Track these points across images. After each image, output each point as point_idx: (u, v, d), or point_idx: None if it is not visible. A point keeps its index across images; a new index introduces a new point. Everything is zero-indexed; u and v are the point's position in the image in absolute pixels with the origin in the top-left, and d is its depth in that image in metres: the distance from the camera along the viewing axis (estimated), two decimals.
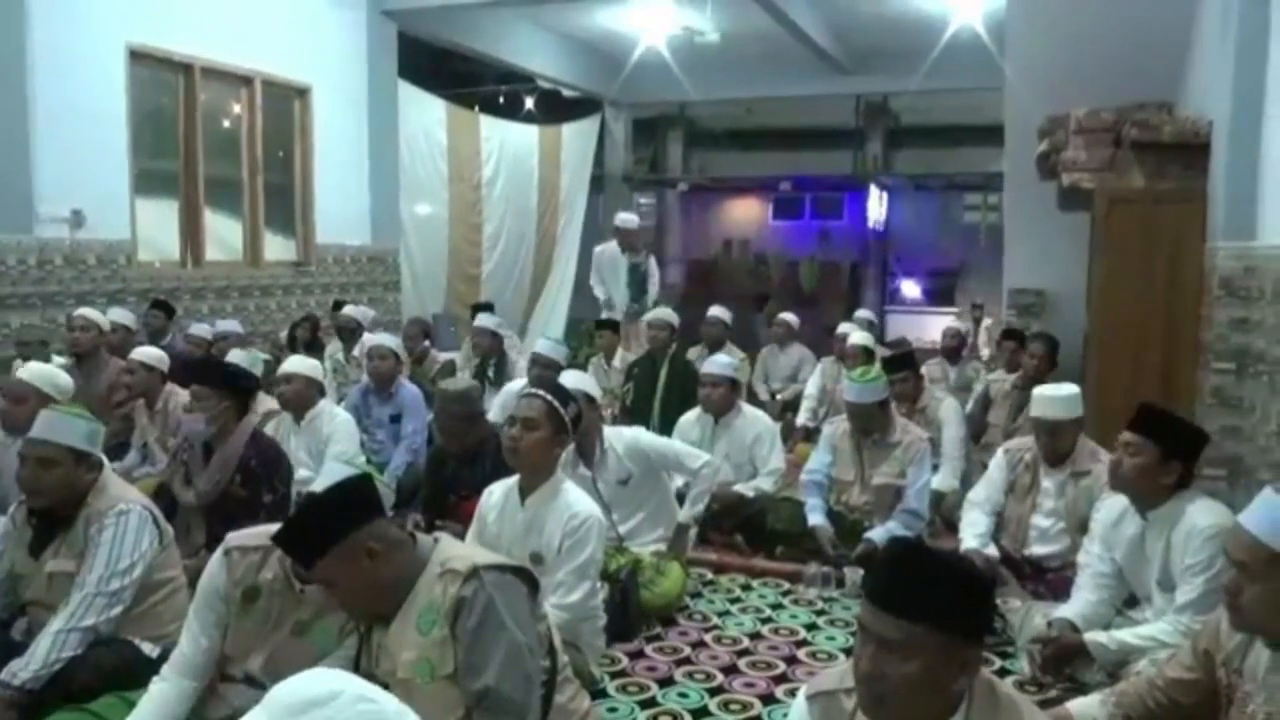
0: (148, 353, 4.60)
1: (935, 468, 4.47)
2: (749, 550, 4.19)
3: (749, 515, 4.24)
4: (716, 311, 6.68)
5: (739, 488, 4.36)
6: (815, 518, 4.03)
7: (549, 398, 2.86)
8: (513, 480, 2.94)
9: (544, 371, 4.64)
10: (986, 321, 10.99)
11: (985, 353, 9.01)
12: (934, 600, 1.45)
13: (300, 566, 1.97)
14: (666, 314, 6.03)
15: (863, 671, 1.49)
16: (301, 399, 4.24)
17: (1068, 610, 2.88)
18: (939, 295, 14.86)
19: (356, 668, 1.99)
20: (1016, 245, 6.51)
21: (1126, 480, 2.73)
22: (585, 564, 2.77)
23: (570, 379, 3.80)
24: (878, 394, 4.03)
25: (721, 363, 4.55)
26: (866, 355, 5.53)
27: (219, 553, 2.25)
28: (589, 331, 8.08)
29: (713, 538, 4.28)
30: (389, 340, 5.11)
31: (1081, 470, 3.43)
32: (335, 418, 4.26)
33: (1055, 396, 3.48)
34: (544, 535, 2.81)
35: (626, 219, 7.82)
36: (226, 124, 7.35)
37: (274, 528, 2.21)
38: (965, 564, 1.59)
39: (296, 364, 4.34)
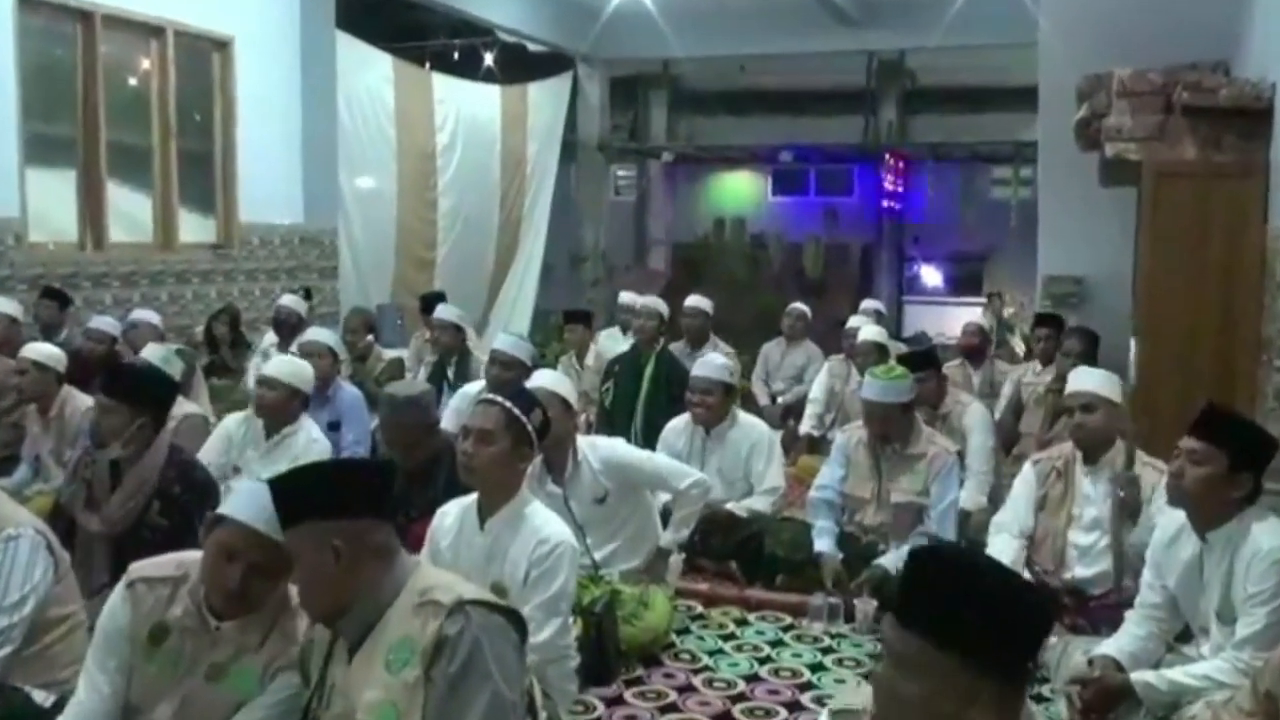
0: (41, 350, 4.53)
1: (960, 483, 4.48)
2: (744, 579, 4.19)
3: (745, 539, 4.23)
4: (696, 301, 6.67)
5: (731, 506, 4.35)
6: (823, 543, 4.03)
7: (508, 405, 2.85)
8: (470, 499, 2.92)
9: (504, 372, 4.61)
10: (1008, 311, 11.06)
11: (1020, 349, 9.07)
12: (945, 614, 1.45)
13: (282, 521, 2.01)
14: (655, 302, 6.01)
15: (875, 687, 1.55)
16: (280, 411, 4.12)
17: (1111, 646, 2.89)
18: (963, 283, 14.94)
19: (306, 712, 2.00)
20: (1052, 226, 6.55)
21: (1188, 493, 2.74)
22: (556, 597, 2.76)
23: (543, 380, 3.79)
24: (901, 394, 4.04)
25: (714, 365, 4.50)
26: (880, 353, 5.53)
27: (121, 586, 2.23)
28: (558, 325, 8.07)
29: (703, 565, 4.27)
30: (324, 336, 5.07)
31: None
32: (314, 445, 4.15)
33: (1093, 371, 3.70)
34: (507, 563, 2.80)
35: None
36: (133, 82, 7.27)
37: (186, 555, 2.21)
38: (1005, 579, 1.55)
39: (281, 368, 4.24)
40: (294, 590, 2.15)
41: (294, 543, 1.97)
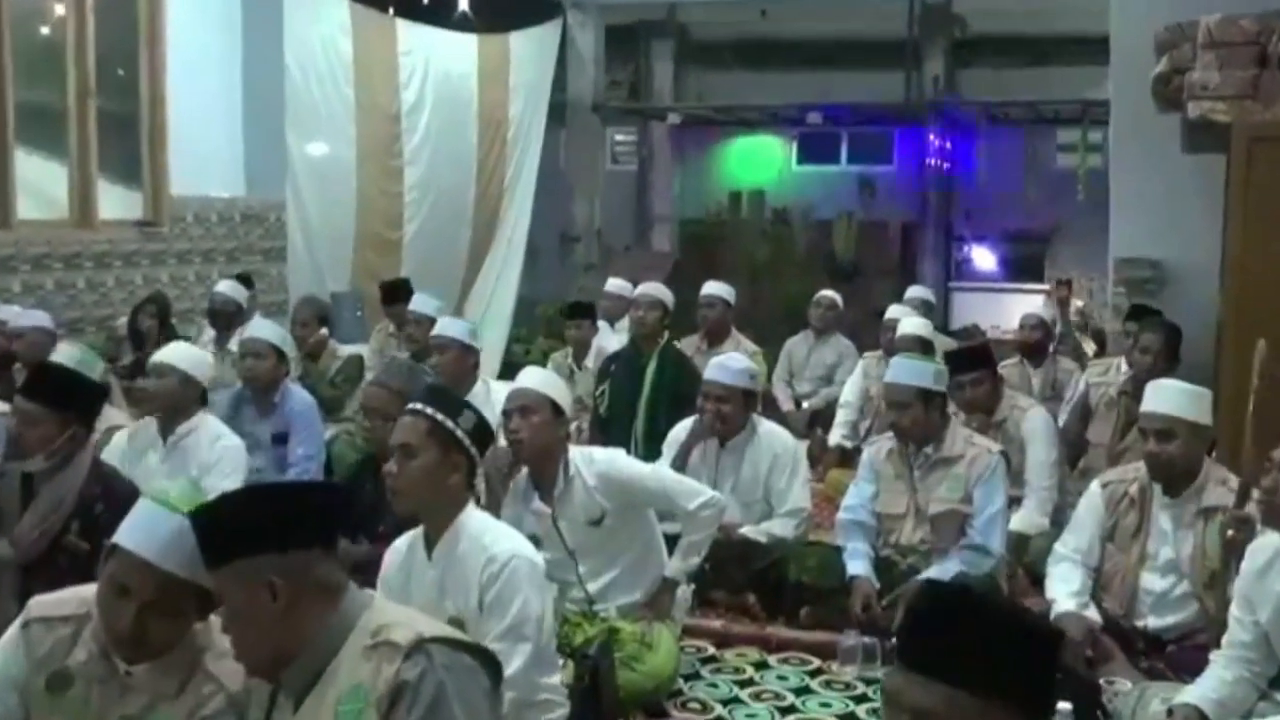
0: None
1: (1016, 501, 4.50)
2: (764, 614, 4.21)
3: (764, 568, 4.26)
4: (714, 288, 6.67)
5: (748, 531, 4.38)
6: (856, 565, 4.07)
7: (428, 411, 2.87)
8: (419, 529, 2.96)
9: (440, 357, 4.70)
10: (1077, 303, 11.07)
11: (1089, 347, 9.06)
12: (981, 658, 1.54)
13: (208, 561, 2.03)
14: (657, 290, 6.03)
15: None
16: (173, 403, 4.19)
17: (1194, 693, 2.90)
18: (1022, 267, 14.93)
19: None
20: (1126, 200, 6.56)
21: None
22: (519, 620, 2.77)
23: (530, 379, 3.80)
24: (922, 377, 4.08)
25: (733, 368, 4.51)
26: (923, 349, 5.55)
27: (15, 626, 2.25)
28: (546, 316, 8.09)
29: (716, 598, 4.30)
30: (268, 332, 5.08)
31: (1212, 506, 3.46)
32: (219, 441, 4.22)
33: (1173, 386, 3.58)
34: (460, 592, 2.83)
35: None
36: (45, 31, 7.28)
37: (91, 590, 2.23)
38: (1020, 612, 1.68)
39: (174, 353, 4.32)
40: (215, 627, 2.15)
41: (223, 583, 1.98)
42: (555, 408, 3.69)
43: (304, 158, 9.01)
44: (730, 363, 4.58)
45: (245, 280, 7.27)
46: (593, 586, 3.72)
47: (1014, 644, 1.55)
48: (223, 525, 1.99)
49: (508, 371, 9.26)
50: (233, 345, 6.14)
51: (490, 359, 8.67)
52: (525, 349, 10.52)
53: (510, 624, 2.77)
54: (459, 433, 2.86)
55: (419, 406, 2.90)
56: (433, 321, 6.02)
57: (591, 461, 3.76)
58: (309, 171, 9.07)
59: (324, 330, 6.55)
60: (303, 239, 8.96)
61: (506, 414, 3.69)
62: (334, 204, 9.38)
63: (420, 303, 6.22)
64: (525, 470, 3.72)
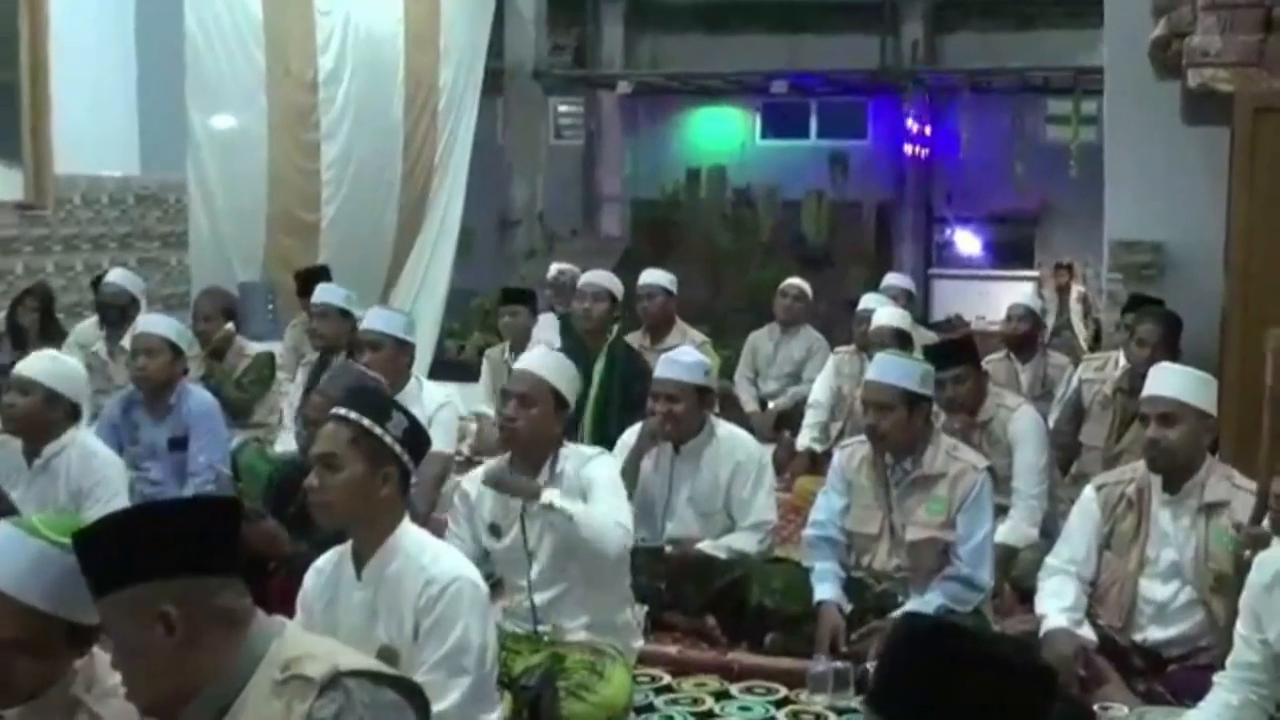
0: None
1: (1003, 510, 4.52)
2: (725, 639, 4.21)
3: (725, 587, 4.25)
4: (654, 277, 6.71)
5: (706, 546, 4.38)
6: (824, 589, 4.06)
7: (352, 417, 2.86)
8: (346, 547, 2.94)
9: (373, 355, 4.76)
10: (1078, 289, 11.21)
11: (1083, 338, 9.17)
12: (963, 707, 1.54)
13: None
14: (604, 279, 6.02)
15: None
16: (35, 423, 4.13)
17: (1198, 719, 2.93)
18: (1009, 252, 15.10)
19: None
20: (1123, 176, 6.61)
21: None
22: (457, 649, 2.77)
23: (532, 362, 3.80)
24: (908, 377, 4.07)
25: (683, 362, 4.52)
26: (900, 343, 5.58)
27: None
28: (483, 308, 8.06)
29: (672, 621, 4.30)
30: (160, 326, 5.04)
31: (1216, 501, 3.51)
32: (94, 460, 4.18)
33: (1178, 370, 3.68)
34: (394, 617, 2.82)
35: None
36: None
37: None
38: (1011, 654, 1.67)
39: (37, 366, 4.22)
40: (100, 661, 2.13)
41: (110, 613, 1.96)
42: (559, 399, 3.70)
43: (208, 131, 8.92)
44: (681, 357, 4.58)
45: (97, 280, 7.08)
46: (540, 597, 3.69)
47: (1003, 691, 1.56)
48: (109, 548, 1.96)
49: (440, 370, 9.23)
50: (126, 342, 6.07)
51: (421, 355, 8.60)
52: (460, 344, 10.49)
53: (448, 652, 2.76)
54: (388, 439, 2.85)
55: (341, 411, 2.89)
56: (342, 314, 5.96)
57: (586, 461, 3.75)
58: (214, 147, 8.98)
59: (230, 325, 6.49)
60: (207, 223, 8.87)
61: (505, 396, 3.71)
62: (242, 183, 9.29)
63: (326, 293, 6.09)
64: (507, 455, 3.73)
